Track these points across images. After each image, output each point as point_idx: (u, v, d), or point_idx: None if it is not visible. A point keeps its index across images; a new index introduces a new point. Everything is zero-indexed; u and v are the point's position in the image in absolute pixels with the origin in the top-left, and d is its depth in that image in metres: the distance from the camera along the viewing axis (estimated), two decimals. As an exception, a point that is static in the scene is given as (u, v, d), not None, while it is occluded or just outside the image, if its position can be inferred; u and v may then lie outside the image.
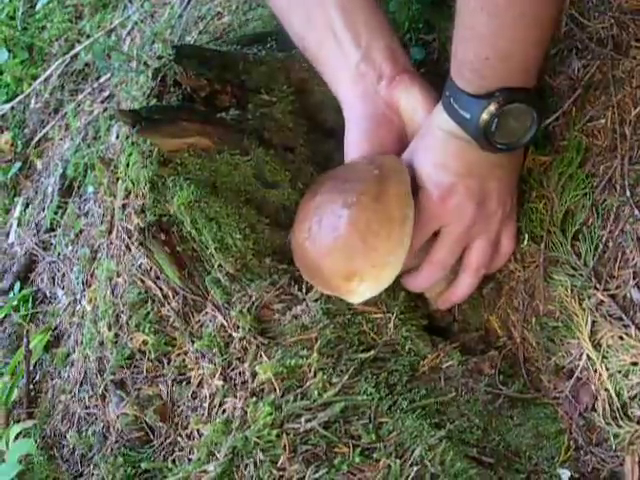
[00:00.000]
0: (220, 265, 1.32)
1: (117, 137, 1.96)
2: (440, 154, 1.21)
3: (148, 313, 1.41)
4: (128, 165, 1.37)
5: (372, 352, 1.27)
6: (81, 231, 1.91)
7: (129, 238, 1.45)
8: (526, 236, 1.31)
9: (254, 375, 1.26)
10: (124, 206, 1.45)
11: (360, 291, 1.17)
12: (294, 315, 1.29)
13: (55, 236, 2.06)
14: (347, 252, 1.16)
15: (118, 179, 1.47)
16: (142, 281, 1.42)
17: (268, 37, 1.48)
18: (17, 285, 2.08)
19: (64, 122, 2.30)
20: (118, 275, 1.49)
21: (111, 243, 1.54)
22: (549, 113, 1.32)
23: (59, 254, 1.99)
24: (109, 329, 1.49)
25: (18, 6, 2.75)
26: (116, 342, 1.48)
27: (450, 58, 1.13)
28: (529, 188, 1.32)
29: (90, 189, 1.96)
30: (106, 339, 1.50)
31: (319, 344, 1.25)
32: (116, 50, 1.99)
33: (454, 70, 1.12)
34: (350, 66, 1.31)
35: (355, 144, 1.30)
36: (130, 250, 1.46)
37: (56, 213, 2.09)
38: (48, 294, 1.99)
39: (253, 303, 1.31)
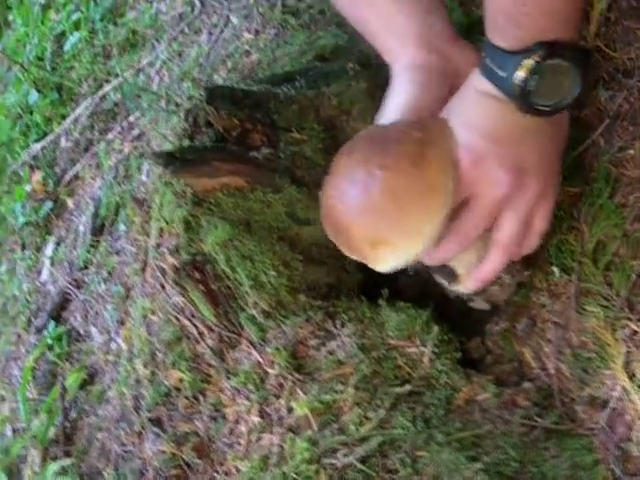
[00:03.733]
0: (255, 302, 1.35)
1: (148, 176, 1.99)
2: (474, 115, 1.12)
3: (183, 351, 1.44)
4: (162, 205, 1.40)
5: (407, 386, 1.29)
6: (114, 269, 1.94)
7: (163, 277, 1.48)
8: (557, 268, 1.31)
9: (290, 411, 1.29)
10: (158, 245, 1.48)
11: (385, 258, 1.10)
12: (329, 351, 1.32)
13: (88, 274, 2.10)
14: (378, 216, 1.08)
15: (151, 218, 1.50)
16: (177, 319, 1.45)
17: (297, 75, 1.51)
18: (51, 323, 2.12)
19: (94, 161, 2.35)
20: (153, 313, 1.52)
21: (145, 281, 1.58)
22: (577, 144, 1.33)
23: (92, 292, 2.03)
24: (145, 367, 1.52)
25: (46, 47, 2.81)
26: (152, 380, 1.50)
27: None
28: (559, 220, 1.33)
29: (122, 227, 2.00)
30: (142, 377, 1.53)
31: (355, 379, 1.27)
32: (146, 90, 2.03)
33: (488, 25, 1.06)
34: (414, 34, 1.25)
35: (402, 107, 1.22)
36: (164, 288, 1.48)
37: (88, 251, 2.12)
38: (82, 332, 2.02)
39: (288, 339, 1.33)
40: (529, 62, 1.01)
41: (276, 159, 1.37)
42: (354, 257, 1.15)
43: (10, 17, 3.29)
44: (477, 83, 1.11)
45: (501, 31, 1.04)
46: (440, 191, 1.08)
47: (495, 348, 1.40)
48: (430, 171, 1.07)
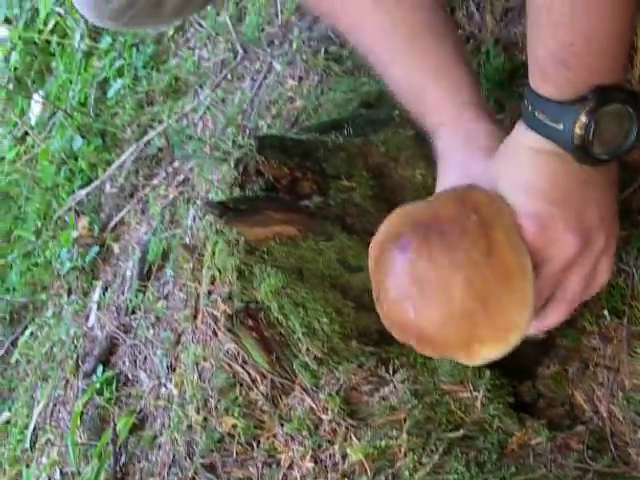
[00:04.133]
0: (308, 349, 1.36)
1: (194, 221, 2.02)
2: (531, 177, 1.05)
3: (237, 397, 1.46)
4: (214, 253, 1.43)
5: (461, 431, 1.29)
6: (162, 315, 1.97)
7: (215, 324, 1.50)
8: (607, 312, 1.32)
9: (345, 457, 1.30)
10: (209, 292, 1.50)
11: (483, 355, 1.05)
12: (382, 396, 1.33)
13: (136, 319, 2.12)
14: (466, 319, 1.01)
15: (203, 266, 1.52)
16: (230, 366, 1.47)
17: (344, 123, 1.54)
18: (99, 368, 2.15)
19: (139, 206, 2.38)
20: (205, 360, 1.54)
21: (196, 328, 1.60)
22: (624, 187, 1.35)
23: (140, 337, 2.05)
24: (197, 413, 1.53)
25: (89, 93, 2.86)
26: (205, 426, 1.52)
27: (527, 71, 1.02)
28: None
29: (170, 273, 2.03)
30: (194, 423, 1.55)
31: (408, 424, 1.28)
32: (192, 137, 2.07)
33: (533, 75, 1.01)
34: (450, 103, 1.21)
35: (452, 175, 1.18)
36: (217, 335, 1.51)
37: (136, 296, 2.15)
38: (130, 377, 2.05)
39: (341, 385, 1.35)
40: (586, 110, 0.96)
41: (327, 207, 1.40)
42: (445, 358, 1.19)
43: (53, 64, 3.34)
44: (526, 140, 1.05)
45: (550, 77, 0.98)
46: (520, 273, 1.01)
47: (547, 392, 1.41)
48: (505, 255, 1.01)
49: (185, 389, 1.61)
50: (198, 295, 1.60)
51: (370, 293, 1.38)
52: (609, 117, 0.98)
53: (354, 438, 1.30)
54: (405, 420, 1.30)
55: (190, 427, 1.57)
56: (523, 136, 1.05)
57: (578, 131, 0.97)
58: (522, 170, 1.06)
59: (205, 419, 1.52)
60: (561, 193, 1.05)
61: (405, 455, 1.26)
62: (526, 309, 1.00)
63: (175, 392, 1.68)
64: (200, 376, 1.56)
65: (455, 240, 1.01)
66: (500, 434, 1.31)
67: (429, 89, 1.22)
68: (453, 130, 1.19)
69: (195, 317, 1.62)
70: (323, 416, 1.35)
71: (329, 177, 1.44)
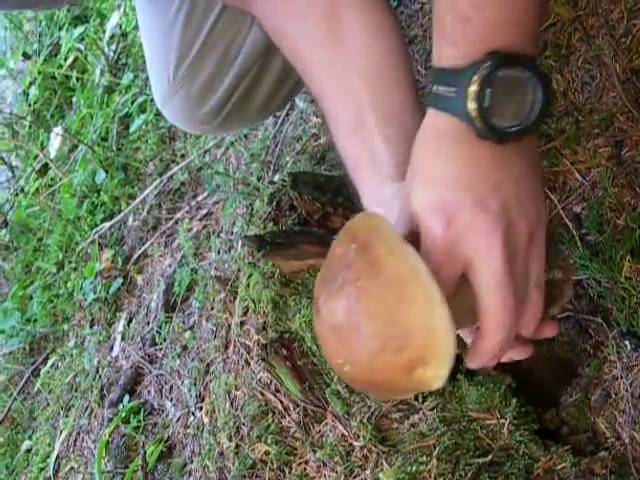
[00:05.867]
0: (340, 378, 1.41)
1: (219, 253, 2.08)
2: (433, 166, 0.95)
3: (269, 425, 1.51)
4: (248, 285, 1.48)
5: (488, 457, 1.34)
6: (188, 345, 2.02)
7: (248, 353, 1.56)
8: (628, 342, 1.37)
9: (375, 481, 1.35)
10: (242, 323, 1.56)
11: (434, 374, 0.89)
12: (412, 423, 1.38)
13: (161, 350, 2.18)
14: (389, 350, 0.89)
15: (234, 298, 1.58)
16: (262, 394, 1.52)
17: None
18: (125, 397, 2.19)
19: (163, 239, 2.44)
20: (237, 388, 1.60)
21: (227, 358, 1.65)
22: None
23: (166, 367, 2.10)
24: (229, 440, 1.58)
25: (111, 128, 2.92)
26: (237, 452, 1.57)
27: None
28: (628, 295, 1.39)
29: (196, 304, 2.08)
30: (227, 450, 1.59)
31: (437, 450, 1.33)
32: (219, 172, 2.12)
33: (435, 51, 0.93)
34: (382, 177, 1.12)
35: None
36: (249, 364, 1.56)
37: (161, 327, 2.20)
38: (156, 406, 2.09)
39: (372, 413, 1.40)
40: (480, 74, 0.87)
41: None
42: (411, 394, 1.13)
43: (72, 98, 3.41)
44: (429, 122, 0.95)
45: (450, 36, 0.90)
46: (412, 276, 0.88)
47: (570, 419, 1.46)
48: (389, 267, 0.89)
49: (216, 417, 1.65)
50: (229, 326, 1.65)
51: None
52: (508, 84, 0.89)
53: (385, 464, 1.35)
54: (434, 446, 1.34)
55: (222, 454, 1.62)
56: (427, 120, 0.96)
57: (471, 96, 0.88)
58: (426, 162, 0.97)
59: (237, 446, 1.57)
60: (466, 177, 0.93)
61: (435, 480, 1.31)
62: (436, 306, 0.86)
63: (206, 420, 1.72)
64: (232, 404, 1.61)
65: (345, 277, 0.93)
66: (526, 460, 1.36)
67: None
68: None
69: (226, 347, 1.67)
70: (355, 443, 1.40)
71: (359, 212, 1.49)
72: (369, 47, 1.17)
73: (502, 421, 1.38)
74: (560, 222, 1.55)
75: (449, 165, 0.93)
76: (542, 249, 0.98)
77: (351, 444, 1.41)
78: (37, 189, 3.22)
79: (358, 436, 1.39)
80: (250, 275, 1.49)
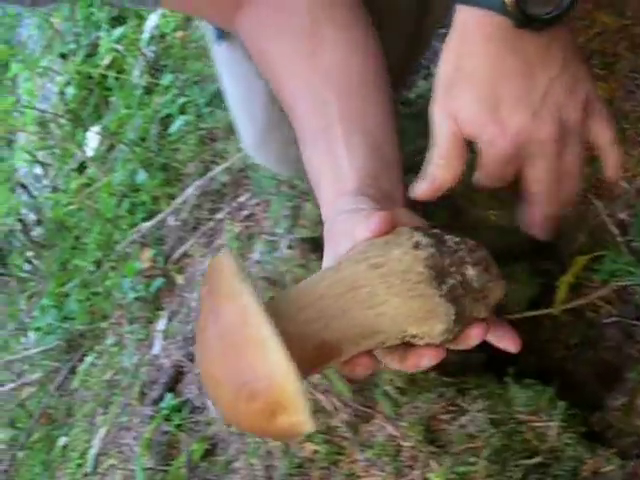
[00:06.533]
0: (390, 379, 1.45)
1: (261, 255, 2.11)
2: (474, 69, 0.97)
3: (318, 424, 1.54)
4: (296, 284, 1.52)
5: (536, 458, 1.38)
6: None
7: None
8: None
9: (425, 481, 1.38)
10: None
11: (295, 421, 0.82)
12: (461, 425, 1.41)
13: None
14: (241, 397, 0.83)
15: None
16: (311, 394, 1.55)
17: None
18: (167, 395, 2.23)
19: (203, 240, 2.48)
20: (285, 388, 1.63)
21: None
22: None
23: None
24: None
25: (150, 128, 2.96)
26: (285, 451, 1.60)
27: None
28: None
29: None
30: (274, 448, 1.63)
31: (486, 452, 1.37)
32: (267, 175, 2.16)
33: None
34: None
35: None
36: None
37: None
38: (198, 404, 2.13)
39: (421, 414, 1.43)
40: None
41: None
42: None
43: (109, 99, 3.46)
44: (463, 22, 0.97)
45: None
46: (243, 320, 0.82)
47: (616, 422, 1.49)
48: (226, 309, 0.83)
49: (263, 416, 1.68)
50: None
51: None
52: None
53: (434, 464, 1.39)
54: (483, 448, 1.38)
55: (269, 452, 1.65)
56: (459, 20, 0.97)
57: None
58: (463, 64, 0.98)
59: (285, 445, 1.61)
60: (513, 77, 0.96)
61: (484, 481, 1.34)
62: (269, 352, 0.80)
63: (252, 419, 1.75)
64: (280, 403, 1.64)
65: (199, 325, 0.89)
66: (573, 462, 1.39)
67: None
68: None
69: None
70: (403, 443, 1.43)
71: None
72: (346, 62, 1.17)
73: (550, 423, 1.41)
74: (605, 229, 1.58)
75: (493, 63, 0.96)
76: (581, 148, 1.05)
77: (400, 444, 1.44)
78: (75, 188, 3.26)
79: (407, 436, 1.43)
80: (300, 276, 1.52)
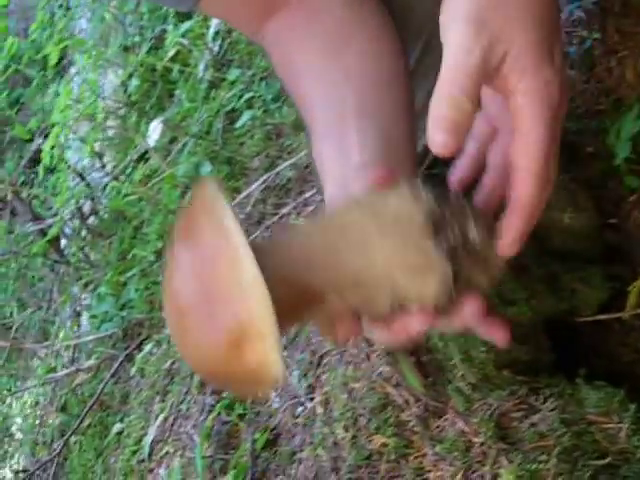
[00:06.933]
0: (463, 375, 1.48)
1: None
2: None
3: (388, 417, 1.58)
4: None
5: (606, 459, 1.40)
6: (295, 336, 2.09)
7: (369, 347, 1.62)
8: None
9: (495, 478, 1.41)
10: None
11: (262, 350, 0.76)
12: (532, 423, 1.44)
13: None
14: (202, 321, 0.79)
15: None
16: (383, 387, 1.59)
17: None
18: (229, 385, 2.27)
19: (268, 234, 2.51)
20: (355, 381, 1.66)
21: (345, 351, 1.72)
22: None
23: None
24: (346, 430, 1.65)
25: (214, 122, 3.01)
26: (353, 443, 1.64)
27: None
28: None
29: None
30: (342, 440, 1.66)
31: (556, 451, 1.39)
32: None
33: None
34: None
35: None
36: (369, 358, 1.63)
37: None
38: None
39: (493, 411, 1.46)
40: None
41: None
42: (254, 394, 0.98)
43: (174, 92, 3.51)
44: None
45: None
46: (218, 231, 0.78)
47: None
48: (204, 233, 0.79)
49: (331, 408, 1.72)
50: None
51: (521, 327, 1.51)
52: None
53: (505, 461, 1.41)
54: (554, 446, 1.40)
55: (336, 444, 1.68)
56: None
57: None
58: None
59: (354, 437, 1.64)
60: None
61: (554, 479, 1.36)
62: (244, 272, 0.74)
63: (319, 410, 1.79)
64: (350, 396, 1.67)
65: (173, 254, 0.84)
66: (643, 464, 1.41)
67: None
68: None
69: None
70: (474, 439, 1.46)
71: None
72: (369, 61, 1.15)
73: (620, 425, 1.43)
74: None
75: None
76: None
77: (470, 440, 1.47)
78: (137, 179, 3.32)
79: (478, 432, 1.45)
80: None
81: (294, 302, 0.81)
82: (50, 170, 4.14)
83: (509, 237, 0.91)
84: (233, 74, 2.99)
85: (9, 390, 4.56)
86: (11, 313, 4.74)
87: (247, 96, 2.87)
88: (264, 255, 0.76)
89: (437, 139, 0.82)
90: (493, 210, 0.95)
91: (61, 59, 4.70)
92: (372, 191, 0.90)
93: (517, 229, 0.90)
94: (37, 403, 4.20)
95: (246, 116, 2.79)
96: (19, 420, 4.32)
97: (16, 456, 4.13)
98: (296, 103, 1.24)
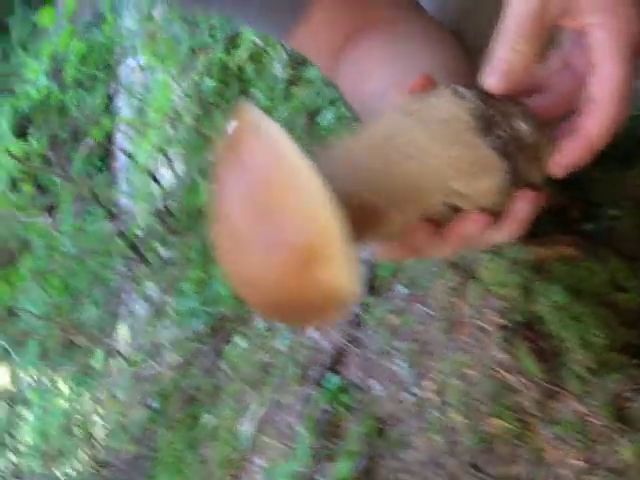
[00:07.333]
0: (580, 359, 1.55)
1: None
2: None
3: (504, 401, 1.65)
4: (490, 270, 1.63)
5: None
6: (397, 327, 2.17)
7: (484, 334, 1.70)
8: None
9: (614, 456, 1.48)
10: (478, 306, 1.70)
11: (334, 273, 0.73)
12: (649, 404, 1.51)
13: (363, 331, 2.33)
14: (269, 242, 0.75)
15: (469, 281, 1.73)
16: (498, 373, 1.66)
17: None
18: (329, 375, 2.35)
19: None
20: (470, 367, 1.74)
21: (456, 338, 1.80)
22: None
23: (371, 348, 2.26)
24: (462, 416, 1.73)
25: (295, 120, 3.09)
26: (470, 427, 1.71)
27: None
28: None
29: (402, 289, 2.22)
30: (457, 424, 1.74)
31: (675, 430, 1.46)
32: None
33: None
34: None
35: None
36: (483, 345, 1.71)
37: (363, 310, 2.36)
38: (361, 385, 2.24)
39: (609, 393, 1.53)
40: None
41: (598, 233, 1.59)
42: (323, 320, 0.92)
43: (249, 91, 3.60)
44: None
45: None
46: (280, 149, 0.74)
47: None
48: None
49: (444, 394, 1.80)
50: (456, 309, 1.79)
51: (632, 312, 1.58)
52: None
53: (624, 440, 1.48)
54: (673, 426, 1.47)
55: (452, 428, 1.76)
56: None
57: None
58: None
59: (470, 421, 1.72)
60: None
61: (674, 457, 1.44)
62: (308, 185, 0.72)
63: (431, 396, 1.87)
64: (464, 382, 1.75)
65: (220, 182, 0.81)
66: None
67: None
68: None
69: (453, 329, 1.81)
70: (592, 420, 1.53)
71: (594, 205, 1.63)
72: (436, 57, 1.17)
73: None
74: None
75: None
76: None
77: (588, 421, 1.54)
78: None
79: (596, 414, 1.52)
80: (491, 260, 1.63)
81: (355, 222, 0.74)
82: (119, 169, 4.23)
83: (565, 159, 0.89)
84: (310, 73, 3.06)
85: (83, 385, 4.67)
86: (84, 310, 4.86)
87: (329, 94, 2.94)
88: (320, 173, 0.71)
89: (490, 79, 0.87)
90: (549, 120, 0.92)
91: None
92: (413, 97, 0.87)
93: (575, 155, 0.89)
94: (114, 397, 4.30)
95: (330, 113, 2.86)
96: (96, 417, 4.42)
97: (100, 450, 4.23)
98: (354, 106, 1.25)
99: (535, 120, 0.86)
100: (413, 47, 1.20)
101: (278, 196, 0.72)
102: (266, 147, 0.73)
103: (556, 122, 0.92)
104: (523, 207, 0.86)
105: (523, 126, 0.84)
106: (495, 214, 0.85)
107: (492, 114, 0.83)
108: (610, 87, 0.85)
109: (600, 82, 0.86)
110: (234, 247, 0.77)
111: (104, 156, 5.63)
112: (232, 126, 0.78)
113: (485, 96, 0.85)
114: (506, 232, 0.88)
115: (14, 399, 5.15)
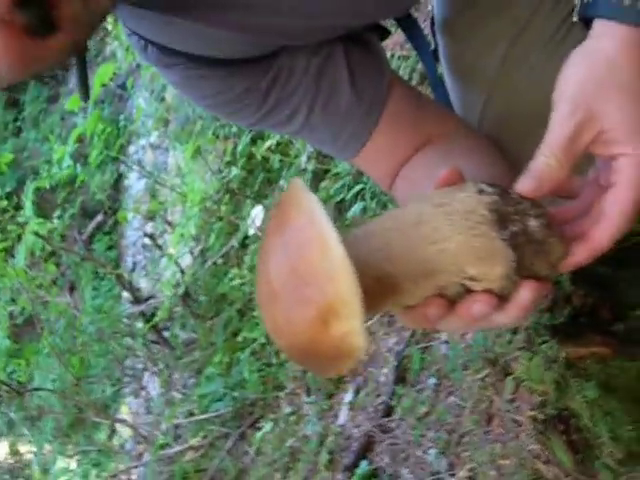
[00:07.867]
0: (610, 452, 1.67)
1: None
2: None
3: (539, 490, 1.76)
4: (527, 367, 1.75)
5: None
6: (424, 417, 2.28)
7: (518, 427, 1.81)
8: None
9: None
10: (512, 400, 1.82)
11: (348, 330, 0.82)
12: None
13: (393, 420, 2.44)
14: (297, 301, 0.86)
15: (505, 376, 1.85)
16: (532, 463, 1.77)
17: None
18: (361, 463, 2.45)
19: (385, 319, 2.71)
20: (503, 458, 1.85)
21: (491, 430, 1.91)
22: None
23: (400, 436, 2.36)
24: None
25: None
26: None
27: None
28: None
29: (431, 380, 2.34)
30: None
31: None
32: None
33: None
34: None
35: None
36: (518, 437, 1.82)
37: (392, 399, 2.47)
38: (391, 472, 2.35)
39: (640, 483, 1.64)
40: None
41: (628, 332, 1.72)
42: (336, 370, 0.94)
43: (274, 180, 3.73)
44: (598, 41, 0.97)
45: None
46: (309, 220, 0.85)
47: None
48: (292, 220, 0.87)
49: (479, 484, 1.91)
50: (491, 402, 1.91)
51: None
52: None
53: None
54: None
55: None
56: (596, 40, 0.98)
57: None
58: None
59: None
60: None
61: None
62: (330, 249, 0.82)
63: (467, 486, 1.97)
64: (498, 472, 1.86)
65: (265, 244, 0.92)
66: None
67: None
68: None
69: (489, 421, 1.93)
70: (623, 508, 1.64)
71: (626, 307, 1.76)
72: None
73: None
74: None
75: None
76: None
77: (618, 510, 1.65)
78: (247, 264, 3.53)
79: (626, 504, 1.64)
80: (531, 359, 1.75)
81: (373, 291, 0.86)
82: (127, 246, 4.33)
83: (574, 259, 0.97)
84: (340, 166, 3.18)
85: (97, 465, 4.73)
86: (103, 390, 4.95)
87: (357, 188, 3.06)
88: (347, 244, 0.82)
89: (525, 183, 0.97)
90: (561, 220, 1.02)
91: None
92: (442, 189, 0.98)
93: (582, 257, 0.96)
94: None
95: (358, 207, 2.98)
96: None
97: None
98: None
99: (547, 219, 0.95)
100: (457, 160, 1.26)
101: (309, 259, 0.82)
102: (305, 219, 0.84)
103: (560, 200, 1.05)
104: (526, 294, 0.93)
105: (533, 222, 0.93)
106: (503, 297, 0.93)
107: (507, 210, 0.93)
108: (621, 207, 0.95)
109: (614, 200, 0.96)
110: (270, 298, 0.87)
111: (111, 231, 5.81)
112: (281, 197, 0.90)
113: (505, 194, 0.95)
114: (511, 316, 0.95)
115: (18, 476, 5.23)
